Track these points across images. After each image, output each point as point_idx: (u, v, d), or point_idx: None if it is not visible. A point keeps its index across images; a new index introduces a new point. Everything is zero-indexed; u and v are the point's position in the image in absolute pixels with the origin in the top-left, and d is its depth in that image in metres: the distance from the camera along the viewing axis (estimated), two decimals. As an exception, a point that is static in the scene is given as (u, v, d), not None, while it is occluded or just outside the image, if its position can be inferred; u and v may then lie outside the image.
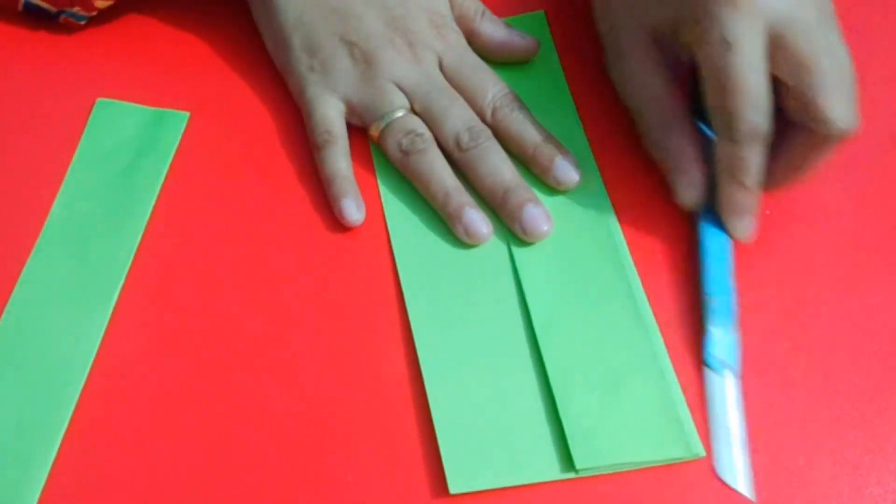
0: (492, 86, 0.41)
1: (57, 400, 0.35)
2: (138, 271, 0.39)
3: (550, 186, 0.40)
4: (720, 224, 0.38)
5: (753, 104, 0.34)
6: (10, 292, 0.38)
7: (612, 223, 0.39)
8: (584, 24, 0.44)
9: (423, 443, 0.34)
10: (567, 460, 0.33)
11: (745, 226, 0.37)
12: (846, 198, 0.40)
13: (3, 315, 0.37)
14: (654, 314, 0.37)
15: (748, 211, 0.37)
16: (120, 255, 0.39)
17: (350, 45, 0.41)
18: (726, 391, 0.35)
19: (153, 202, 0.40)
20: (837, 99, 0.34)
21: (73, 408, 0.35)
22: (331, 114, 0.41)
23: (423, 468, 0.34)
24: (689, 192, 0.38)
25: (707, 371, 0.35)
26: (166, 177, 0.41)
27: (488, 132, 0.40)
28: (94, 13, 0.44)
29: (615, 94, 0.41)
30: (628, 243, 0.39)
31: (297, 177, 0.41)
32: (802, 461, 0.33)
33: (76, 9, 0.44)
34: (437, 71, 0.42)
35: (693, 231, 0.39)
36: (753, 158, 0.35)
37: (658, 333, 0.36)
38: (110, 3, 0.44)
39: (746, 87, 0.34)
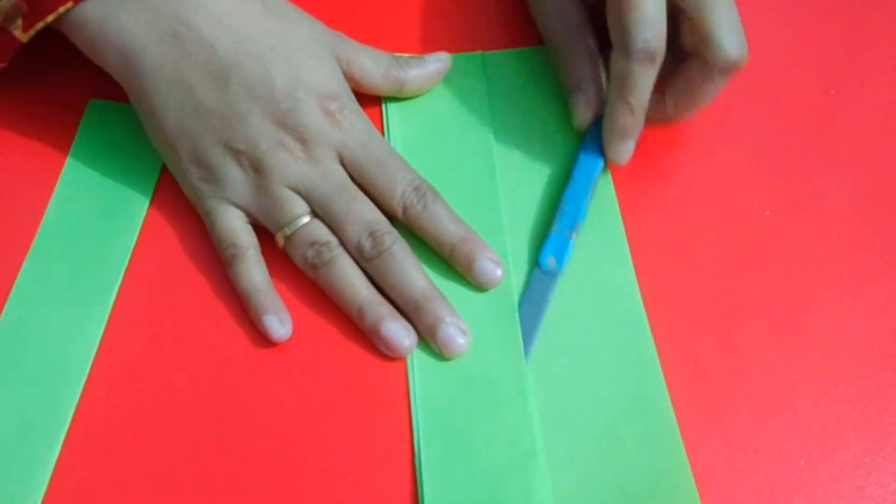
0: (400, 179, 0.38)
1: (58, 401, 0.35)
2: (135, 270, 0.39)
3: (472, 286, 0.38)
4: (600, 150, 0.40)
5: (649, 23, 0.36)
6: (7, 294, 0.37)
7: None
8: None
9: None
10: None
11: (624, 150, 0.39)
12: (846, 198, 0.40)
13: (1, 317, 0.37)
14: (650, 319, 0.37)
15: (629, 134, 0.39)
16: (116, 254, 0.39)
17: (237, 154, 0.38)
18: (548, 291, 0.38)
19: (148, 201, 0.40)
20: (729, 29, 0.36)
21: (74, 408, 0.35)
22: (233, 224, 0.38)
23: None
24: (583, 112, 0.41)
25: (536, 270, 0.38)
26: (160, 175, 0.41)
27: (393, 234, 0.37)
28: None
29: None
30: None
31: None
32: (802, 461, 0.33)
33: None
34: (337, 167, 0.38)
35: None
36: (643, 79, 0.37)
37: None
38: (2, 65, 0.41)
39: (644, 5, 0.36)
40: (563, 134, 0.42)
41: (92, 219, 0.40)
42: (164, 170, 0.41)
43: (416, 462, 0.34)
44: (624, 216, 0.40)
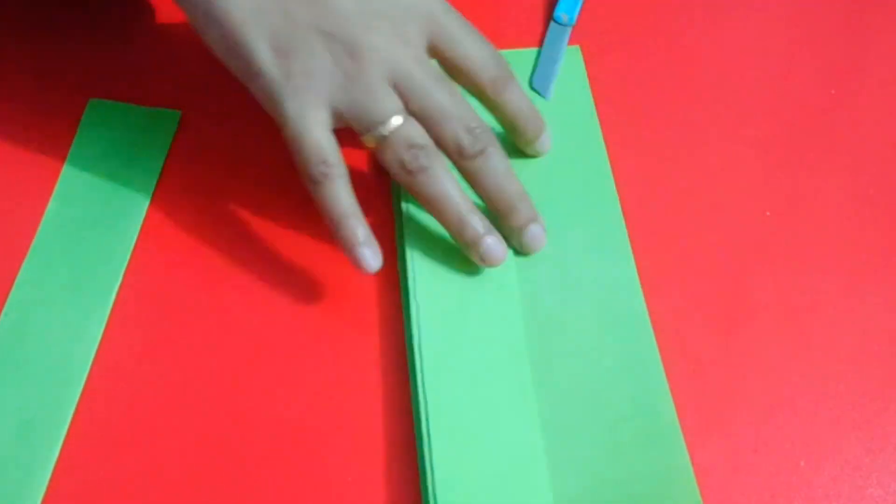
0: (484, 50, 0.37)
1: (58, 400, 0.35)
2: (135, 270, 0.39)
3: (529, 154, 0.41)
4: None
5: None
6: (7, 294, 0.37)
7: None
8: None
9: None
10: None
11: None
12: (846, 198, 0.40)
13: (2, 317, 0.37)
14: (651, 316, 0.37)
15: None
16: (116, 253, 0.39)
17: (327, 37, 0.34)
18: (562, 41, 0.45)
19: (148, 201, 0.40)
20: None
21: (73, 408, 0.35)
22: (322, 137, 0.35)
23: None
24: None
25: (552, 24, 0.47)
26: (160, 175, 0.41)
27: (492, 135, 0.37)
28: None
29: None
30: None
31: (289, 171, 0.41)
32: (802, 461, 0.33)
33: None
34: (428, 56, 0.37)
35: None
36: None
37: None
38: None
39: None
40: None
41: (92, 218, 0.40)
42: (165, 169, 0.41)
43: (423, 457, 0.33)
44: (625, 216, 0.40)
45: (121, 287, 0.38)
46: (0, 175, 0.41)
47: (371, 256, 0.35)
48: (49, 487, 0.33)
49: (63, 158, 0.41)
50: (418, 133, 0.35)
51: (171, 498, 0.33)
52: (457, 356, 0.35)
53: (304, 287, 0.38)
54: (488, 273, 0.37)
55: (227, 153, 0.42)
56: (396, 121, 0.35)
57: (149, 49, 0.45)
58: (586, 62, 0.45)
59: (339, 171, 0.35)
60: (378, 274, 0.37)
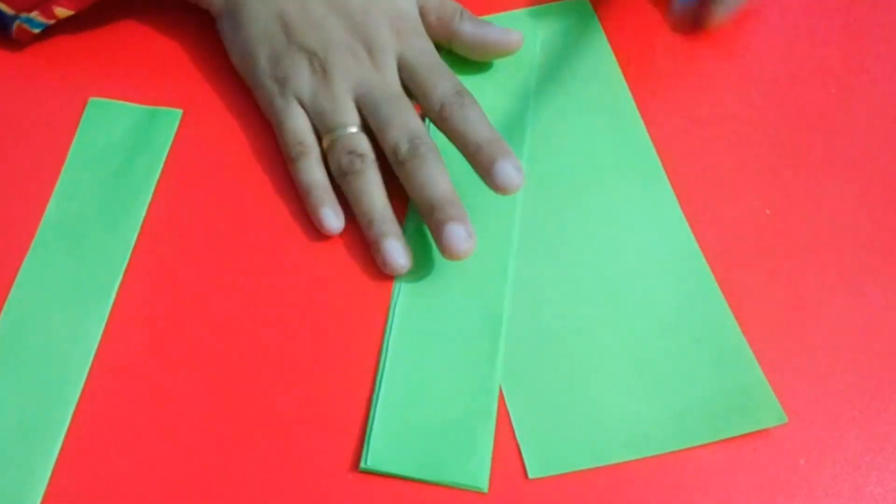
0: (444, 82, 0.40)
1: (57, 400, 0.35)
2: (135, 269, 0.38)
3: (492, 190, 0.38)
4: None
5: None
6: (7, 294, 0.37)
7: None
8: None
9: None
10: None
11: None
12: (847, 197, 0.40)
13: (2, 316, 0.37)
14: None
15: None
16: (116, 253, 0.39)
17: (309, 54, 0.41)
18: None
19: (148, 200, 0.40)
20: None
21: (73, 407, 0.35)
22: (300, 124, 0.41)
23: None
24: None
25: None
26: (161, 174, 0.41)
27: (430, 144, 0.39)
28: (53, 21, 0.43)
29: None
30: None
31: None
32: (802, 461, 0.34)
33: (35, 14, 0.43)
34: (396, 78, 0.41)
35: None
36: None
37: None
38: (71, 12, 0.43)
39: None
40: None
41: (92, 218, 0.39)
42: (165, 169, 0.41)
43: (374, 394, 0.35)
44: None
45: (121, 286, 0.38)
46: (0, 174, 0.41)
47: (332, 216, 0.39)
48: (49, 487, 0.33)
49: (63, 158, 0.41)
50: (364, 145, 0.40)
51: (171, 498, 0.33)
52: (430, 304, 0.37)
53: (305, 287, 0.38)
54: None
55: (227, 153, 0.42)
56: (349, 129, 0.40)
57: (150, 48, 0.45)
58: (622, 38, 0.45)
59: (313, 151, 0.41)
60: (379, 277, 0.38)
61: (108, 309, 0.37)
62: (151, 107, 0.43)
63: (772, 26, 0.46)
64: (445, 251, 0.37)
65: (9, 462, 0.33)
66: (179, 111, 0.43)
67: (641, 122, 0.42)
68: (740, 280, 0.38)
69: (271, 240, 0.39)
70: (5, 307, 0.37)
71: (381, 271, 0.38)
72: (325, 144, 0.40)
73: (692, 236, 0.39)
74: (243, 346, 0.37)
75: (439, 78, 0.41)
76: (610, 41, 0.45)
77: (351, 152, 0.39)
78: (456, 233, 0.37)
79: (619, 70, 0.44)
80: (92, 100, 0.43)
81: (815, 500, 0.33)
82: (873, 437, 0.34)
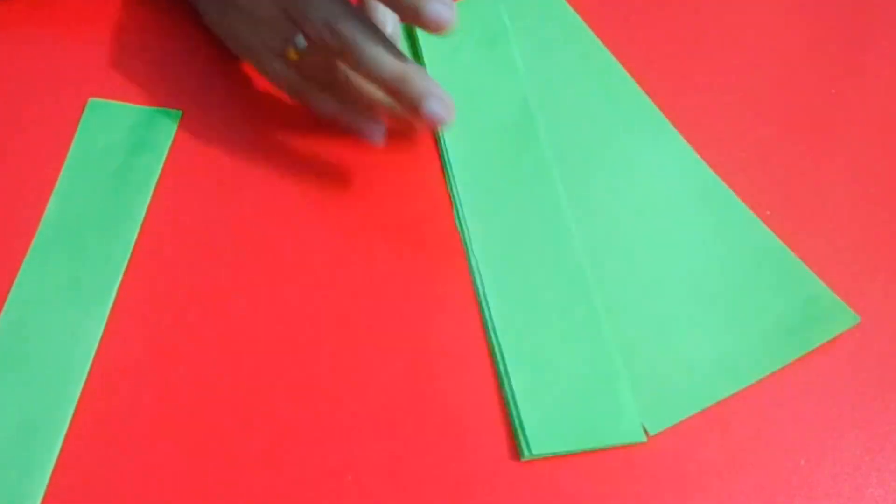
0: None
1: (58, 400, 0.35)
2: (135, 269, 0.38)
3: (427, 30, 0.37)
4: None
5: None
6: (6, 294, 0.37)
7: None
8: None
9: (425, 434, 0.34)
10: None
11: None
12: (847, 197, 0.40)
13: (1, 316, 0.37)
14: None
15: None
16: (116, 253, 0.39)
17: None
18: None
19: (148, 200, 0.40)
20: None
21: (73, 407, 0.35)
22: (276, 66, 0.41)
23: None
24: None
25: None
26: (161, 174, 0.41)
27: (353, 22, 0.38)
28: None
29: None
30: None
31: (290, 171, 0.41)
32: (802, 461, 0.33)
33: None
34: None
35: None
36: None
37: None
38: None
39: None
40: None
41: (91, 218, 0.39)
42: (165, 169, 0.41)
43: (505, 388, 0.35)
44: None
45: (121, 285, 0.38)
46: (0, 174, 0.41)
47: (377, 130, 0.41)
48: (49, 487, 0.33)
49: (63, 158, 0.41)
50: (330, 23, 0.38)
51: (171, 497, 0.33)
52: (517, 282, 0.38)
53: (305, 286, 0.38)
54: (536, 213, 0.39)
55: (227, 153, 0.42)
56: (300, 38, 0.39)
57: (149, 49, 0.45)
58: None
59: (307, 83, 0.41)
60: (382, 274, 0.38)
61: (108, 309, 0.37)
62: (151, 107, 0.43)
63: (771, 26, 0.46)
64: (432, 125, 0.38)
65: (9, 462, 0.33)
66: (179, 112, 0.43)
67: (630, 78, 0.43)
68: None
69: (271, 239, 0.39)
70: (5, 307, 0.37)
71: (388, 266, 0.38)
72: (293, 55, 0.40)
73: (713, 173, 0.40)
74: (243, 346, 0.36)
75: None
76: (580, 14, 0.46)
77: (331, 31, 0.38)
78: (434, 107, 0.37)
79: (595, 39, 0.45)
80: (91, 100, 0.43)
81: (815, 500, 0.33)
82: (873, 437, 0.34)
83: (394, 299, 0.38)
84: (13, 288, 0.37)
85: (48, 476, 0.33)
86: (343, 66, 0.41)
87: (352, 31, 0.38)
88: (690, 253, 0.38)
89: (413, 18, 0.37)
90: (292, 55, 0.40)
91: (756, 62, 0.45)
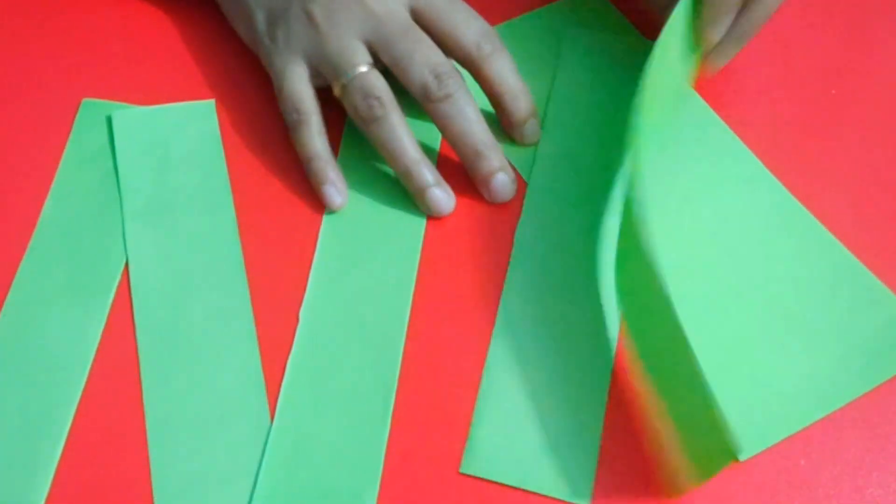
0: (473, 21, 0.39)
1: (59, 400, 0.35)
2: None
3: (514, 139, 0.40)
4: None
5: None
6: (5, 295, 0.37)
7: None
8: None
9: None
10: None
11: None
12: (847, 198, 0.40)
13: (1, 317, 0.37)
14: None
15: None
16: (114, 252, 0.38)
17: (306, 3, 0.39)
18: None
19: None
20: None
21: (75, 407, 0.35)
22: (297, 88, 0.39)
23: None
24: None
25: None
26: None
27: (458, 77, 0.38)
28: None
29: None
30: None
31: (291, 174, 0.41)
32: (802, 461, 0.34)
33: None
34: (402, 9, 0.39)
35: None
36: None
37: None
38: None
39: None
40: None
41: (89, 217, 0.39)
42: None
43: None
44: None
45: (119, 286, 0.38)
46: (-3, 175, 0.41)
47: (335, 194, 0.39)
48: (52, 487, 0.33)
49: (59, 158, 0.41)
50: (378, 83, 0.38)
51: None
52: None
53: (302, 283, 0.38)
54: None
55: (227, 152, 0.42)
56: (359, 69, 0.38)
57: (144, 49, 0.45)
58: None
59: (311, 118, 0.39)
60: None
61: (108, 308, 0.37)
62: (146, 106, 0.43)
63: (771, 26, 0.46)
64: (495, 198, 0.39)
65: (12, 463, 0.33)
66: (212, 101, 0.43)
67: (698, 96, 0.42)
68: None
69: (269, 239, 0.39)
70: (4, 308, 0.37)
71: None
72: (336, 91, 0.39)
73: (789, 193, 0.39)
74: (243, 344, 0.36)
75: (466, 17, 0.39)
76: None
77: (367, 96, 0.38)
78: (503, 183, 0.39)
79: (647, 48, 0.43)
80: (86, 100, 0.43)
81: (815, 500, 0.33)
82: (873, 437, 0.34)
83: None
84: (11, 289, 0.37)
85: (51, 476, 0.33)
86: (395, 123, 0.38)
87: (459, 85, 0.38)
88: (770, 275, 0.37)
89: (476, 177, 0.39)
90: (336, 90, 0.39)
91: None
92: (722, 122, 0.41)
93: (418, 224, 0.39)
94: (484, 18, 0.40)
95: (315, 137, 0.39)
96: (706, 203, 0.39)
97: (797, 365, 0.35)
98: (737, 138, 0.41)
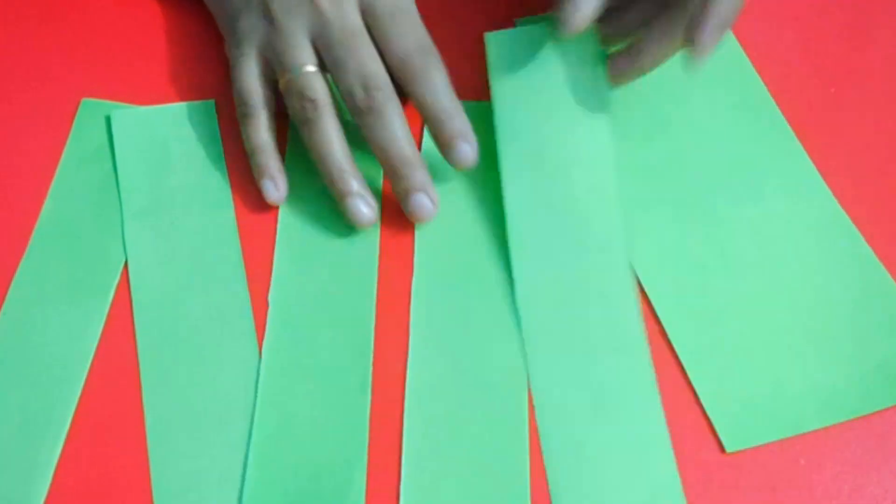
0: (410, 34, 0.38)
1: (59, 400, 0.35)
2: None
3: (448, 162, 0.38)
4: None
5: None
6: (5, 295, 0.37)
7: None
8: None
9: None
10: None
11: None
12: (847, 197, 0.40)
13: (0, 317, 0.37)
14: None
15: None
16: (114, 252, 0.38)
17: (265, 2, 0.39)
18: None
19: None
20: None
21: (75, 407, 0.35)
22: (247, 82, 0.39)
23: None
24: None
25: None
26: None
27: (387, 90, 0.37)
28: None
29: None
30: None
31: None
32: (802, 461, 0.34)
33: None
34: (354, 14, 0.38)
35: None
36: None
37: None
38: None
39: None
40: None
41: (88, 217, 0.39)
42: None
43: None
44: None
45: (119, 286, 0.38)
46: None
47: (271, 188, 0.39)
48: (52, 487, 0.33)
49: (58, 158, 0.41)
50: (317, 86, 0.38)
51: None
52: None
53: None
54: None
55: (226, 151, 0.42)
56: (303, 69, 0.38)
57: (144, 49, 0.45)
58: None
59: (259, 112, 0.39)
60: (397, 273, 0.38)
61: (107, 308, 0.37)
62: (145, 106, 0.43)
63: (771, 26, 0.46)
64: (412, 219, 0.38)
65: (12, 463, 0.33)
66: (214, 102, 0.43)
67: (768, 94, 0.42)
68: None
69: (268, 239, 0.39)
70: (3, 308, 0.37)
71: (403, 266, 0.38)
72: (280, 87, 0.39)
73: (834, 200, 0.39)
74: (243, 343, 0.36)
75: (402, 27, 0.38)
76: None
77: (303, 97, 0.38)
78: (421, 204, 0.38)
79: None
80: (85, 100, 0.43)
81: (815, 500, 0.33)
82: (873, 437, 0.34)
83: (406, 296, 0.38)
84: (11, 289, 0.37)
85: (51, 476, 0.33)
86: (331, 120, 0.38)
87: (386, 99, 0.37)
88: (801, 279, 0.37)
89: (395, 192, 0.38)
90: (281, 86, 0.39)
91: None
92: (783, 119, 0.41)
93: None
94: (428, 30, 0.39)
95: (260, 131, 0.39)
96: (752, 194, 0.39)
97: (810, 373, 0.35)
98: (792, 133, 0.41)
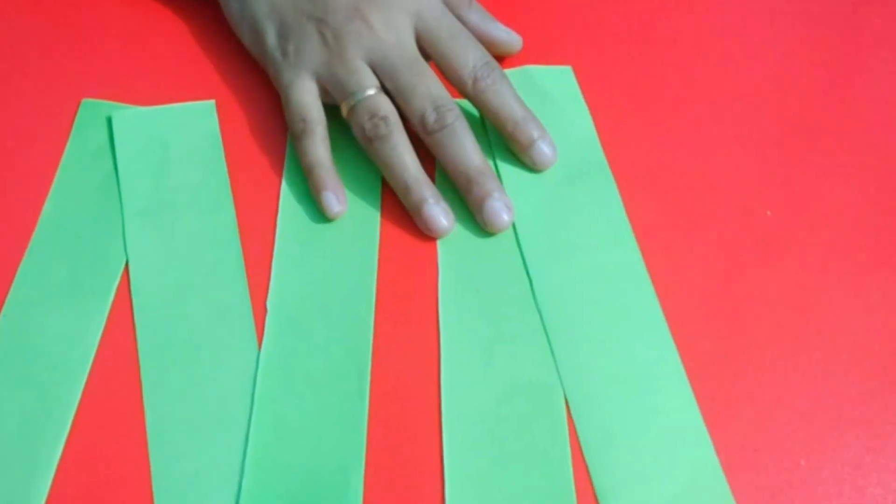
0: (472, 52, 0.41)
1: (59, 401, 0.35)
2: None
3: (526, 165, 0.41)
4: None
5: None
6: (5, 295, 0.37)
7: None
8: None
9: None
10: None
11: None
12: (847, 197, 0.40)
13: (0, 318, 0.36)
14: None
15: None
16: (114, 252, 0.38)
17: (318, 23, 0.41)
18: None
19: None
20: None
21: (75, 408, 0.35)
22: (305, 100, 0.40)
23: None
24: None
25: None
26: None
27: (456, 111, 0.40)
28: None
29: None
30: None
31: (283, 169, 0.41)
32: (802, 461, 0.34)
33: None
34: (409, 39, 0.41)
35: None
36: None
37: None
38: None
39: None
40: None
41: (88, 218, 0.39)
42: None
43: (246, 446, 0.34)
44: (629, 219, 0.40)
45: (119, 286, 0.38)
46: (-4, 175, 0.41)
47: (333, 200, 0.39)
48: (52, 487, 0.33)
49: (58, 158, 0.41)
50: (384, 105, 0.40)
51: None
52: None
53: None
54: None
55: (227, 151, 0.42)
56: (367, 92, 0.40)
57: (144, 49, 0.45)
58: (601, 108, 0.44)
59: (317, 128, 0.40)
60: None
61: (108, 308, 0.37)
62: (146, 106, 0.43)
63: (772, 25, 0.46)
64: (488, 226, 0.39)
65: (12, 463, 0.33)
66: (214, 103, 0.43)
67: (616, 190, 0.41)
68: (743, 279, 0.38)
69: (268, 239, 0.39)
70: (4, 308, 0.37)
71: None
72: (344, 112, 0.40)
73: (660, 310, 0.37)
74: (243, 342, 0.36)
75: (466, 47, 0.41)
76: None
77: (373, 116, 0.39)
78: (497, 209, 0.39)
79: (594, 133, 0.43)
80: (85, 101, 0.43)
81: (815, 500, 0.33)
82: (873, 437, 0.34)
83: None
84: (11, 289, 0.37)
85: (51, 476, 0.33)
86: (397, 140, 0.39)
87: (456, 117, 0.39)
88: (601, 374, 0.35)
89: (469, 202, 0.39)
90: (344, 110, 0.40)
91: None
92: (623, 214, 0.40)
93: (374, 209, 0.40)
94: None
95: (319, 146, 0.40)
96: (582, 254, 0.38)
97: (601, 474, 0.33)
98: (628, 226, 0.39)
